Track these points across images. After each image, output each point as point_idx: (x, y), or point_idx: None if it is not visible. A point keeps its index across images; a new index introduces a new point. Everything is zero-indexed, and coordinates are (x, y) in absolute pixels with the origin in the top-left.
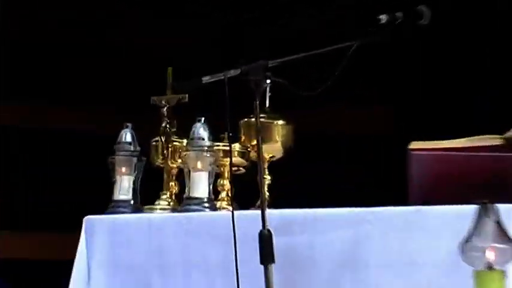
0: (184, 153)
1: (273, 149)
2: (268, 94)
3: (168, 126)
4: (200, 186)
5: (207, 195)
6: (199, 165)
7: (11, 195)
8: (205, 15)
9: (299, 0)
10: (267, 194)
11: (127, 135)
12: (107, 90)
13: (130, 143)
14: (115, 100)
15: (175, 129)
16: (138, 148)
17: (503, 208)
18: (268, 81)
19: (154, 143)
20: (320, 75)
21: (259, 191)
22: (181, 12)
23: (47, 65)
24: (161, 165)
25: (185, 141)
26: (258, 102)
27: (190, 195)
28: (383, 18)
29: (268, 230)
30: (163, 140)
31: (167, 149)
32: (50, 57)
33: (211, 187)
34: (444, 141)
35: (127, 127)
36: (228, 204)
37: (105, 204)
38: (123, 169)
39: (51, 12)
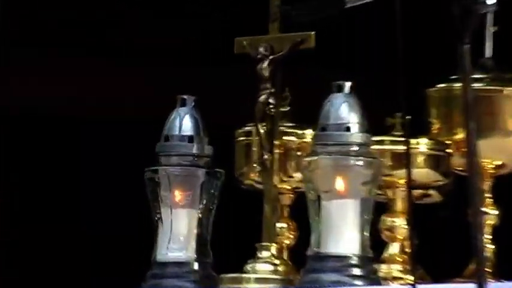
0: (308, 159)
1: (504, 151)
2: (490, 30)
3: (271, 101)
4: (343, 230)
5: (357, 251)
6: (340, 185)
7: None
8: (205, 15)
9: (299, 1)
10: (491, 247)
11: (184, 122)
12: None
13: (191, 139)
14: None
15: (288, 108)
16: (209, 149)
17: None
18: (491, 1)
19: (242, 139)
20: None
21: (472, 240)
22: (181, 12)
23: (46, 64)
24: (258, 186)
25: (309, 133)
26: (468, 46)
27: (322, 250)
28: None
29: None
30: (261, 131)
31: (270, 151)
32: (49, 56)
33: (367, 233)
34: None
35: (184, 103)
36: (405, 271)
37: (141, 260)
38: (178, 195)
39: (51, 12)
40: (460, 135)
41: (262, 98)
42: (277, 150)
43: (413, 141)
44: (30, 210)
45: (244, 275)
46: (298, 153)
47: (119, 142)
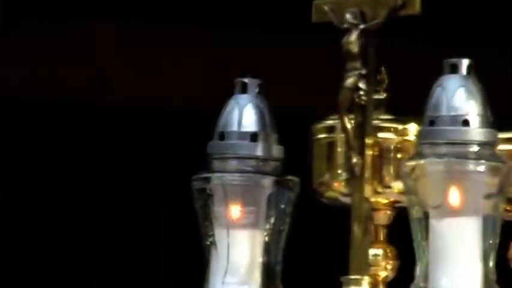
0: (411, 163)
1: None
2: None
3: (362, 86)
4: (459, 259)
5: (479, 287)
6: (454, 198)
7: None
8: (205, 15)
9: None
10: None
11: (245, 114)
12: None
13: (254, 137)
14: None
15: (384, 95)
16: (279, 149)
17: None
18: None
19: (322, 137)
20: None
21: None
22: (181, 12)
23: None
24: (344, 199)
25: (412, 128)
26: None
27: (431, 285)
28: None
29: None
30: (349, 125)
31: (361, 153)
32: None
33: (492, 262)
34: None
35: (245, 89)
36: None
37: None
38: (237, 211)
39: (51, 12)
40: None
41: (350, 81)
42: (369, 152)
43: None
44: (30, 210)
45: None
46: (398, 155)
47: (121, 140)
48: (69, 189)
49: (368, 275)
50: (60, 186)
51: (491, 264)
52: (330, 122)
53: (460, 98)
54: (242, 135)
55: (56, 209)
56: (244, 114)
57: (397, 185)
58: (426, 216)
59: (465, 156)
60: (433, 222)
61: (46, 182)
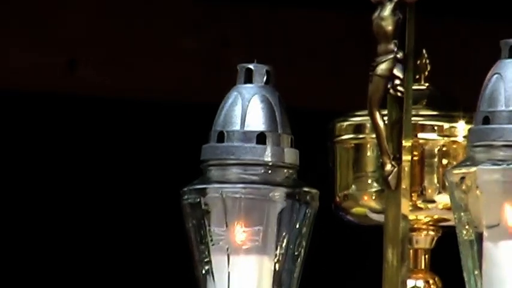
0: (460, 170)
1: None
2: None
3: (398, 73)
4: None
5: None
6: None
7: None
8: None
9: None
10: None
11: (249, 110)
12: None
13: (262, 138)
14: None
15: (426, 85)
16: (293, 154)
17: None
18: None
19: (348, 138)
20: None
21: None
22: None
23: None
24: (375, 217)
25: (461, 127)
26: None
27: None
28: None
29: None
30: (381, 123)
31: (397, 158)
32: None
33: None
34: None
35: (249, 76)
36: None
37: None
38: (240, 232)
39: None
40: None
41: (382, 68)
42: (408, 157)
43: None
44: (31, 210)
45: None
46: (444, 161)
47: (95, 140)
48: (69, 188)
49: None
50: (59, 185)
51: None
52: (357, 119)
53: None
54: (246, 135)
55: (56, 209)
56: (249, 110)
57: (443, 199)
58: (479, 239)
59: None
60: (487, 245)
61: (46, 182)
